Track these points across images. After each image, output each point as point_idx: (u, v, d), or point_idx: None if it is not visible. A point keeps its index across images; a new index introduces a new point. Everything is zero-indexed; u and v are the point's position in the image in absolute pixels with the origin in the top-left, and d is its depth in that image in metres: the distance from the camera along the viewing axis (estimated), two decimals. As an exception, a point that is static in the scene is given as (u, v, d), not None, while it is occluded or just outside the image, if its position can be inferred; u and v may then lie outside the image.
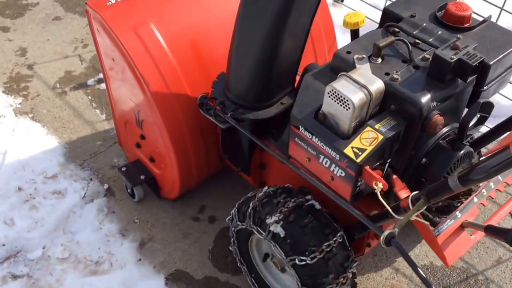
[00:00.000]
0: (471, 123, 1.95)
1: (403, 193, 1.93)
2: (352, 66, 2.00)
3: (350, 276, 2.33)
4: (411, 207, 1.79)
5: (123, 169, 3.17)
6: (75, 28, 4.62)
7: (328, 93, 1.90)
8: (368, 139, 1.88)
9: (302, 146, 2.08)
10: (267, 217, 2.26)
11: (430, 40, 2.08)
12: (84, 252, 2.98)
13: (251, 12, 2.16)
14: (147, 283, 2.85)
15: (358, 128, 1.93)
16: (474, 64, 1.85)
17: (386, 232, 1.79)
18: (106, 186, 3.33)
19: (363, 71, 1.95)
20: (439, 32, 2.11)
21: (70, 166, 3.44)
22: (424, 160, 2.09)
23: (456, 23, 2.15)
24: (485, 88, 2.11)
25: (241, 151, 2.73)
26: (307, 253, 2.19)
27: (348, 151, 1.88)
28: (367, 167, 1.88)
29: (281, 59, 2.27)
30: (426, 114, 1.89)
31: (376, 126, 1.90)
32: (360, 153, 1.86)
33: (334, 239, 2.23)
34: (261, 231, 2.30)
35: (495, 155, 1.60)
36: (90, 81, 4.09)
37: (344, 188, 2.00)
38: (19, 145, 3.55)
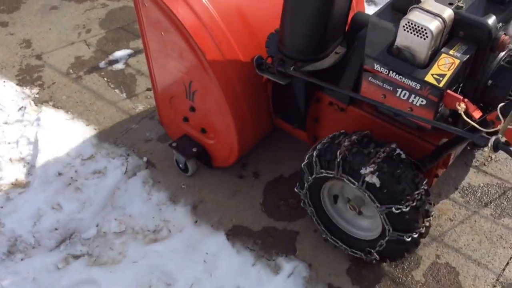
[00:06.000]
0: None
1: (477, 113, 2.03)
2: (417, 1, 2.08)
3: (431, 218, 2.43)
4: (501, 117, 1.84)
5: (174, 144, 3.17)
6: (74, 15, 4.60)
7: (404, 26, 1.99)
8: (446, 65, 2.00)
9: (376, 84, 2.18)
10: (361, 167, 2.26)
11: None
12: (139, 223, 3.03)
13: None
14: (209, 240, 2.92)
15: (432, 57, 2.04)
16: None
17: (493, 138, 1.84)
18: (145, 159, 3.37)
19: (431, 2, 2.04)
20: None
21: (104, 145, 3.47)
22: (489, 82, 2.19)
23: None
24: None
25: (297, 106, 2.79)
26: (402, 202, 2.22)
27: (429, 78, 2.00)
28: (449, 91, 1.99)
29: (334, 10, 2.35)
30: (495, 35, 2.00)
31: (451, 52, 2.02)
32: (441, 79, 1.98)
33: (423, 187, 2.29)
34: (354, 181, 2.30)
35: None
36: (102, 64, 4.10)
37: (424, 116, 2.11)
38: (48, 133, 3.54)
